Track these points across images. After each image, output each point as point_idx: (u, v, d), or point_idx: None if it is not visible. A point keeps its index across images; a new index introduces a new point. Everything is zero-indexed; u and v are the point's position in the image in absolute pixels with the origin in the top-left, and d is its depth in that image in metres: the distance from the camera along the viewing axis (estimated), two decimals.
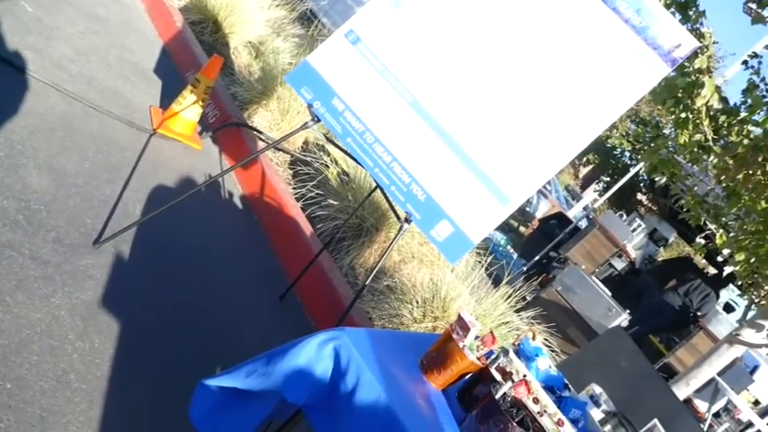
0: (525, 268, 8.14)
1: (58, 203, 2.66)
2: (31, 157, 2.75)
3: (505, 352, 1.75)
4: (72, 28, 4.02)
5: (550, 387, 1.83)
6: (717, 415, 6.83)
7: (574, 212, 13.18)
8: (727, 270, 4.16)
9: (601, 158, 15.91)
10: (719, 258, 4.81)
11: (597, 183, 17.53)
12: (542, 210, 13.54)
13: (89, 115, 3.38)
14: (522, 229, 12.58)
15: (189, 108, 3.93)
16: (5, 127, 2.77)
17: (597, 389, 2.11)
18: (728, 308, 8.12)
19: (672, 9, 3.91)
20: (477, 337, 1.76)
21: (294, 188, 4.33)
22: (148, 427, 2.13)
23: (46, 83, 3.26)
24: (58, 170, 2.83)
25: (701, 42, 3.59)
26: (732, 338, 4.05)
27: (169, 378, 2.35)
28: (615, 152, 15.71)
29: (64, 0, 4.22)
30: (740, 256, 3.84)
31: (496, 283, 4.34)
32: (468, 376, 1.78)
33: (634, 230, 9.13)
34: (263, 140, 4.51)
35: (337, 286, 3.54)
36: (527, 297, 4.27)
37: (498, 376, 1.72)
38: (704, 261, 7.70)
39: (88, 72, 3.74)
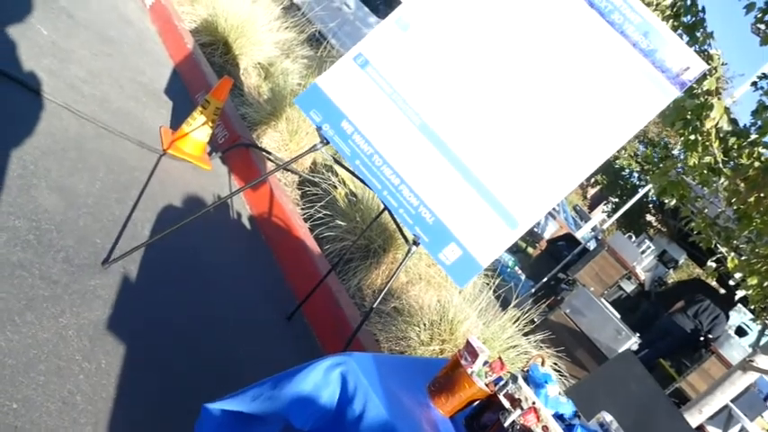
0: (533, 290, 8.08)
1: (69, 223, 2.67)
2: (43, 177, 2.77)
3: (514, 378, 1.73)
4: (85, 50, 4.08)
5: (560, 415, 1.81)
6: None
7: (582, 233, 13.12)
8: (740, 294, 4.11)
9: (609, 179, 15.84)
10: (731, 282, 4.76)
11: (605, 203, 17.46)
12: (550, 230, 13.51)
13: (101, 136, 3.41)
14: (529, 249, 12.53)
15: (199, 129, 3.96)
16: (19, 147, 2.80)
17: (608, 416, 2.08)
18: (741, 332, 8.02)
19: (679, 31, 3.91)
20: (485, 363, 1.74)
21: (302, 209, 4.34)
22: None
23: (59, 104, 3.30)
24: (70, 190, 2.85)
25: (710, 64, 3.59)
26: (746, 364, 3.98)
27: (175, 399, 2.34)
28: (623, 173, 15.65)
29: (78, 23, 4.28)
30: (753, 281, 3.79)
31: (504, 305, 4.31)
32: (476, 403, 1.76)
33: (643, 252, 9.07)
34: (271, 161, 4.53)
35: (344, 307, 3.53)
36: (535, 319, 4.23)
37: (507, 403, 1.70)
38: (716, 283, 7.61)
39: (101, 93, 3.79)
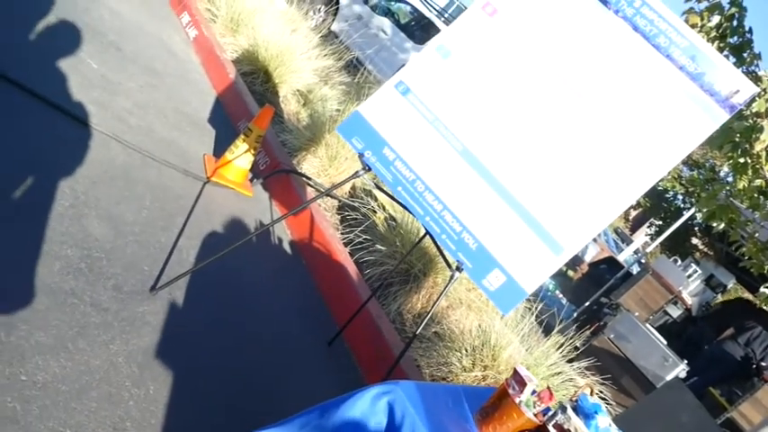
0: (575, 314, 7.92)
1: (117, 251, 2.75)
2: (93, 206, 2.87)
3: (563, 409, 1.69)
4: (132, 83, 4.23)
5: None
6: None
7: (624, 256, 12.84)
8: None
9: (652, 201, 15.53)
10: None
11: (648, 226, 17.08)
12: (591, 253, 13.26)
13: (147, 165, 3.52)
14: (570, 273, 12.31)
15: (241, 156, 4.05)
16: (70, 177, 2.91)
17: None
18: None
19: (725, 52, 3.85)
20: (533, 392, 1.71)
21: (342, 233, 4.37)
22: None
23: (107, 134, 3.42)
24: (118, 219, 2.93)
25: (759, 85, 3.51)
26: None
27: (221, 426, 2.36)
28: (667, 195, 15.33)
29: (125, 57, 4.45)
30: None
31: (547, 330, 4.23)
32: None
33: (689, 276, 8.81)
34: (312, 187, 4.59)
35: (385, 333, 3.51)
36: (578, 345, 4.14)
37: None
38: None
39: (146, 124, 3.91)
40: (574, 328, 4.42)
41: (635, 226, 24.23)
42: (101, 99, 3.70)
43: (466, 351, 3.52)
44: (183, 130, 4.27)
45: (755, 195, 3.81)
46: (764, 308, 7.08)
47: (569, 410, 1.69)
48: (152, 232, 3.07)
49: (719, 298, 9.96)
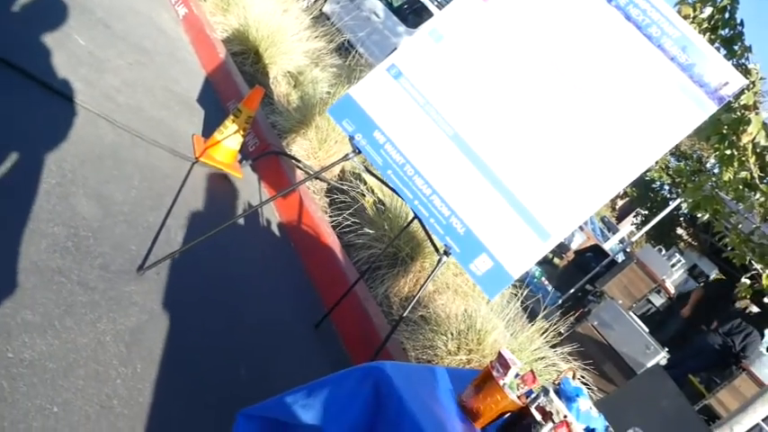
0: (560, 301, 8.00)
1: (105, 230, 2.74)
2: (80, 185, 2.85)
3: (546, 391, 1.72)
4: (121, 60, 4.18)
5: (591, 429, 1.79)
6: None
7: (610, 245, 12.96)
8: None
9: (639, 191, 15.64)
10: (766, 299, 4.66)
11: (634, 215, 17.23)
12: (577, 241, 13.37)
13: (135, 144, 3.49)
14: (556, 260, 12.41)
15: (230, 137, 4.03)
16: (57, 155, 2.88)
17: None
18: None
19: (717, 44, 3.86)
20: (517, 375, 1.74)
21: (330, 216, 4.38)
22: None
23: (95, 113, 3.39)
24: (106, 198, 2.92)
25: (748, 78, 3.54)
26: None
27: (209, 405, 2.37)
28: (654, 185, 15.45)
29: (114, 34, 4.39)
30: None
31: (532, 316, 4.28)
32: (507, 415, 1.75)
33: (673, 266, 8.92)
34: (301, 169, 4.58)
35: (372, 316, 3.54)
36: (562, 331, 4.19)
37: (538, 416, 1.69)
38: (749, 301, 7.43)
39: (135, 102, 3.88)
40: (558, 314, 4.47)
41: (621, 215, 24.41)
42: (88, 76, 3.66)
43: (451, 335, 3.55)
44: (171, 110, 4.24)
45: (740, 187, 3.85)
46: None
47: (552, 393, 1.72)
48: (140, 212, 3.06)
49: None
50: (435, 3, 9.51)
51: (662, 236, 12.34)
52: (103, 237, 2.69)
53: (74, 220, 2.63)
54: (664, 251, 9.91)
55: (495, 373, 1.70)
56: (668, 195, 14.49)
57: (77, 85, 3.47)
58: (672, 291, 8.29)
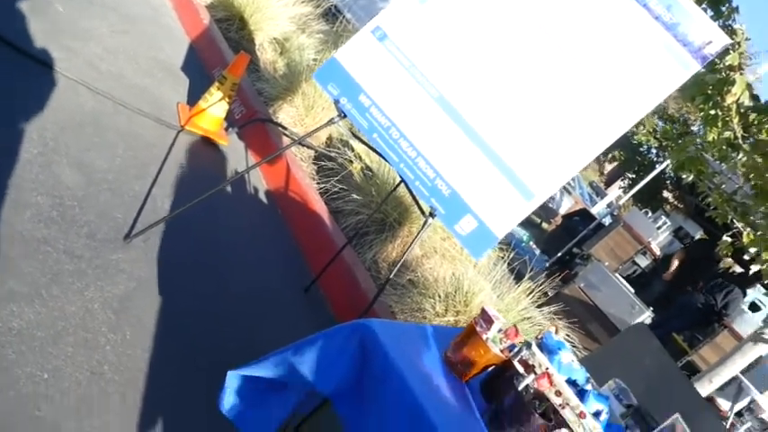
0: (548, 264, 8.09)
1: (90, 199, 2.73)
2: (63, 153, 2.82)
3: (528, 345, 1.76)
4: (102, 27, 4.11)
5: (573, 381, 1.84)
6: (739, 414, 6.74)
7: (598, 209, 13.04)
8: (754, 269, 4.09)
9: (627, 155, 15.71)
10: (746, 257, 4.73)
11: (622, 180, 17.33)
12: (565, 206, 13.43)
13: (118, 112, 3.45)
14: (544, 225, 12.50)
15: (216, 105, 3.99)
16: (38, 124, 2.85)
17: (620, 383, 2.11)
18: (754, 307, 7.98)
19: (704, 5, 3.85)
20: (500, 330, 1.78)
21: (318, 183, 4.38)
22: (180, 415, 2.19)
23: (76, 80, 3.34)
24: (89, 166, 2.90)
25: (733, 39, 3.54)
26: (757, 337, 4.00)
27: (199, 369, 2.41)
28: (641, 149, 15.51)
29: (95, 1, 4.30)
30: (767, 255, 3.79)
31: (518, 278, 4.34)
32: (491, 368, 1.80)
33: (659, 228, 9.02)
34: (288, 136, 4.56)
35: (360, 280, 3.58)
36: (549, 293, 4.26)
37: (521, 369, 1.74)
38: (731, 260, 7.55)
39: (117, 70, 3.82)
40: (544, 276, 4.54)
41: (610, 180, 24.52)
42: (68, 44, 3.59)
43: (439, 297, 3.60)
44: (155, 77, 4.18)
45: (724, 147, 3.89)
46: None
47: (534, 347, 1.76)
48: (125, 180, 3.04)
49: None
50: None
51: (648, 199, 12.44)
52: (88, 205, 2.69)
53: (57, 189, 2.61)
54: (650, 214, 10.00)
55: (478, 329, 1.74)
56: (655, 159, 14.57)
57: (58, 53, 3.41)
58: (657, 252, 8.40)
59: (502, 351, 1.74)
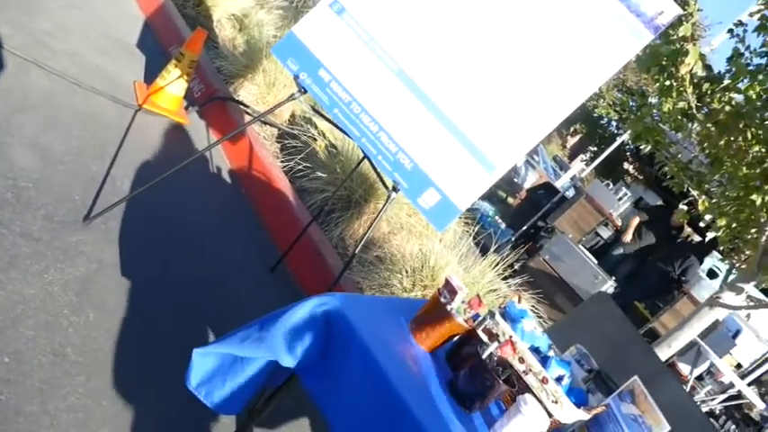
0: (513, 238, 8.21)
1: (46, 181, 2.66)
2: (16, 135, 2.74)
3: (492, 314, 1.80)
4: (53, 2, 3.97)
5: (536, 348, 1.89)
6: (700, 378, 7.02)
7: (562, 182, 13.25)
8: (710, 236, 4.23)
9: (588, 128, 15.96)
10: (701, 224, 4.89)
11: (585, 153, 17.61)
12: (530, 181, 13.61)
13: (73, 92, 3.36)
14: (510, 200, 12.65)
15: (174, 83, 3.91)
16: None
17: (581, 349, 2.18)
18: (712, 274, 8.26)
19: None
20: (463, 301, 1.81)
21: (282, 161, 4.34)
22: (146, 396, 2.18)
23: (27, 59, 3.23)
24: (45, 148, 2.82)
25: (686, 10, 3.60)
26: (713, 301, 4.14)
27: (164, 349, 2.39)
28: (602, 122, 15.77)
29: None
30: (722, 222, 3.91)
31: (484, 252, 4.40)
32: (455, 338, 1.83)
33: (620, 199, 9.22)
34: (249, 114, 4.50)
35: (327, 257, 3.58)
36: (514, 266, 4.33)
37: (485, 337, 1.78)
38: (688, 228, 7.79)
39: (70, 48, 3.70)
40: (509, 248, 4.61)
41: (573, 154, 24.89)
42: (18, 20, 3.47)
43: (406, 272, 3.63)
44: (110, 55, 4.07)
45: (679, 117, 3.98)
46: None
47: (497, 316, 1.80)
48: (82, 161, 2.97)
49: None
50: None
51: (610, 171, 12.69)
52: (45, 187, 2.62)
53: (12, 171, 2.54)
54: (611, 185, 10.20)
55: (442, 299, 1.77)
56: (615, 131, 14.83)
57: (6, 29, 3.29)
58: (619, 223, 8.60)
59: (466, 321, 1.77)
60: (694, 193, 4.15)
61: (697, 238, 7.81)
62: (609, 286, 6.42)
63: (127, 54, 4.31)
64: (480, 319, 1.80)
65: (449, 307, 1.74)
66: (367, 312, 1.66)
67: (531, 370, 1.74)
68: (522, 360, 1.73)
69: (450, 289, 1.76)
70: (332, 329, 1.55)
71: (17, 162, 2.61)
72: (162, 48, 4.87)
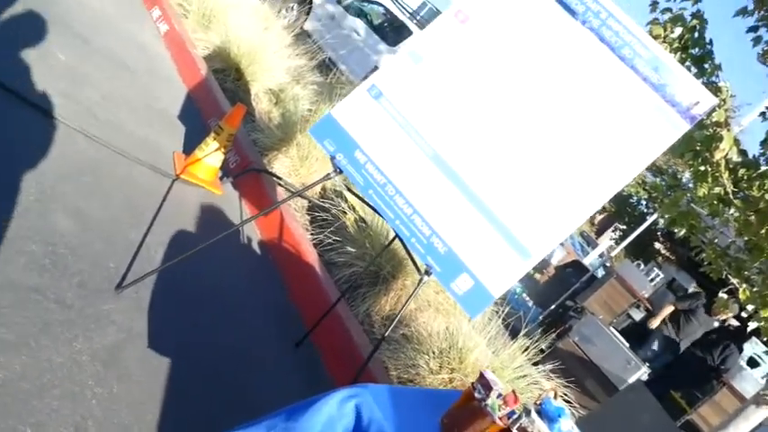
0: (541, 317, 8.03)
1: (84, 247, 2.70)
2: (59, 201, 2.81)
3: (527, 412, 1.72)
4: (101, 75, 4.15)
5: None
6: None
7: (590, 260, 13.07)
8: (752, 326, 4.07)
9: (617, 206, 15.84)
10: (743, 314, 4.71)
11: (613, 230, 17.44)
12: (557, 256, 13.45)
13: (115, 161, 3.46)
14: (536, 275, 12.48)
15: (211, 154, 4.01)
16: (36, 171, 2.85)
17: None
18: (753, 362, 7.91)
19: (687, 63, 3.95)
20: (499, 396, 1.74)
21: (312, 234, 4.36)
22: None
23: (74, 128, 3.36)
24: (85, 214, 2.88)
25: (718, 96, 3.62)
26: (759, 398, 3.94)
27: (187, 426, 2.34)
28: (631, 200, 15.67)
29: (94, 49, 4.37)
30: (766, 313, 3.77)
31: (513, 333, 4.29)
32: None
33: (652, 280, 9.01)
34: (283, 186, 4.57)
35: (354, 335, 3.52)
36: (544, 348, 4.21)
37: None
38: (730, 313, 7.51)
39: (115, 118, 3.85)
40: (539, 331, 4.49)
41: (600, 230, 24.67)
42: (68, 91, 3.63)
43: (433, 353, 3.55)
44: (152, 126, 4.21)
45: (715, 202, 3.92)
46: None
47: (533, 413, 1.72)
48: (119, 229, 3.03)
49: None
50: (415, 21, 9.61)
51: (640, 250, 12.49)
52: (82, 254, 2.66)
53: (52, 237, 2.59)
54: (642, 266, 10.01)
55: (476, 395, 1.70)
56: (645, 210, 14.70)
57: (56, 99, 3.44)
58: (649, 306, 8.38)
59: (501, 418, 1.70)
60: (734, 280, 4.02)
61: (735, 323, 7.54)
62: (642, 373, 6.16)
63: (168, 125, 4.45)
64: (516, 416, 1.72)
65: (483, 403, 1.67)
66: (398, 406, 1.61)
67: None
68: None
69: (484, 383, 1.70)
70: (361, 423, 1.50)
71: (58, 228, 2.67)
72: (202, 119, 5.03)
